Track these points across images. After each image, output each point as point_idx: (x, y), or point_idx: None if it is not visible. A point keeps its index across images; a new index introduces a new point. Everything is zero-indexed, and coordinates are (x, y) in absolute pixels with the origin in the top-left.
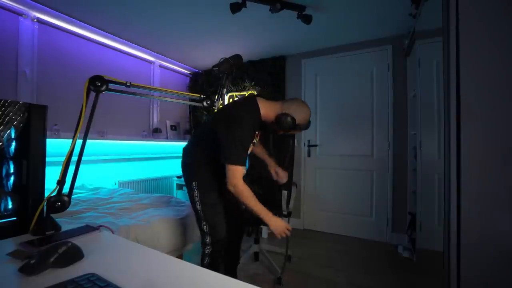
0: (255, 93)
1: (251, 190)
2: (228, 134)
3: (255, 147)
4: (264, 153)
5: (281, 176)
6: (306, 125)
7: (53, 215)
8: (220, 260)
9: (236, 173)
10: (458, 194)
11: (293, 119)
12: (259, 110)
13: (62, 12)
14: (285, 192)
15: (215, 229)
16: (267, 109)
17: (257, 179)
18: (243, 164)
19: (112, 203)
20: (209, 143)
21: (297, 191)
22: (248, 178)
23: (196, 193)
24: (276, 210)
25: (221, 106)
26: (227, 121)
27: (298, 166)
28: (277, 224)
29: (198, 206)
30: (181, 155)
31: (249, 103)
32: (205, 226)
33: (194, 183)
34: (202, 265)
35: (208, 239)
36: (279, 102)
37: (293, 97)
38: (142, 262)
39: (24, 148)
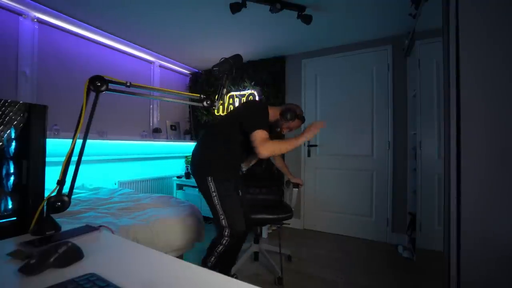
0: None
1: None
2: (253, 115)
3: (277, 160)
4: (284, 165)
5: (298, 180)
6: (303, 118)
7: (53, 215)
8: (234, 252)
9: (263, 136)
10: (458, 194)
11: (294, 110)
12: (268, 113)
13: (62, 12)
14: (294, 190)
15: (234, 221)
16: (272, 113)
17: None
18: (267, 129)
19: (112, 203)
20: (221, 142)
21: (297, 191)
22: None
23: (212, 188)
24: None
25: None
26: (251, 110)
27: (298, 166)
28: (308, 134)
29: (216, 201)
30: (181, 155)
31: (265, 106)
32: (223, 220)
33: (209, 177)
34: (211, 252)
35: (227, 232)
36: (278, 107)
37: (293, 97)
38: (142, 262)
39: (24, 148)
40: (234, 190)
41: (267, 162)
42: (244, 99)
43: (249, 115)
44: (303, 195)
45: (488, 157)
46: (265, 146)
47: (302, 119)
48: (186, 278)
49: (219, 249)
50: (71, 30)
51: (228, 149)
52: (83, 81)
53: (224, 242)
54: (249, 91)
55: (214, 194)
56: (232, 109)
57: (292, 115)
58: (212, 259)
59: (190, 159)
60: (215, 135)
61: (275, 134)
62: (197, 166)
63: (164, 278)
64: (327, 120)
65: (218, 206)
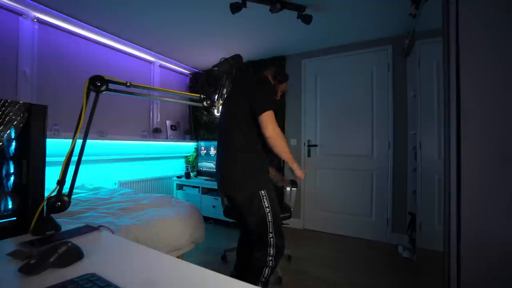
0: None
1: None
2: (262, 91)
3: None
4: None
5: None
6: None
7: (53, 215)
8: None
9: (273, 117)
10: (458, 194)
11: (282, 71)
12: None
13: (62, 12)
14: (293, 190)
15: (281, 239)
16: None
17: None
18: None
19: (112, 203)
20: (250, 144)
21: (297, 191)
22: None
23: (266, 203)
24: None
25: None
26: (259, 85)
27: None
28: (299, 170)
29: (269, 217)
30: (181, 155)
31: (266, 78)
32: (271, 239)
33: (263, 191)
34: (257, 278)
35: (272, 251)
36: (267, 73)
37: (293, 97)
38: (142, 262)
39: (24, 148)
40: (276, 197)
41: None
42: None
43: (258, 94)
44: (303, 195)
45: (488, 157)
46: (275, 127)
47: (288, 78)
48: (186, 278)
49: (266, 274)
50: (71, 30)
51: (260, 149)
52: (83, 81)
53: (270, 263)
54: None
55: (268, 210)
56: (231, 96)
57: (283, 75)
58: (260, 286)
59: (219, 175)
60: (233, 133)
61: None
62: (240, 182)
63: (164, 278)
64: (327, 120)
65: (270, 223)
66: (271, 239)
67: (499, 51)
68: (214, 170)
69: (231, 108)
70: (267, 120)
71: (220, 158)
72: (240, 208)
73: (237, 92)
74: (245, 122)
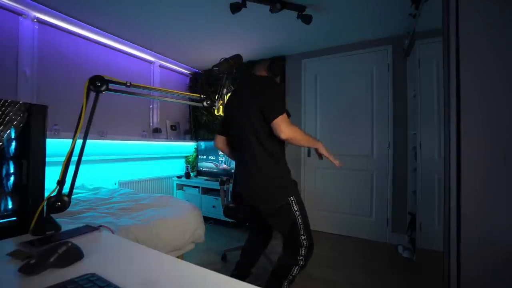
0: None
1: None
2: (272, 98)
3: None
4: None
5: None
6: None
7: (53, 215)
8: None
9: (286, 118)
10: (458, 194)
11: (276, 60)
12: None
13: (62, 12)
14: None
15: (311, 239)
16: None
17: None
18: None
19: (112, 203)
20: (269, 149)
21: None
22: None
23: (295, 207)
24: None
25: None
26: (267, 89)
27: (298, 166)
28: (324, 148)
29: (299, 221)
30: (181, 155)
31: (274, 79)
32: (304, 241)
33: (291, 197)
34: (285, 274)
35: (303, 251)
36: (260, 66)
37: (293, 97)
38: (142, 262)
39: (24, 148)
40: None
41: None
42: None
43: (268, 99)
44: (303, 195)
45: (488, 157)
46: (290, 126)
47: (280, 71)
48: (186, 278)
49: (295, 272)
50: (71, 30)
51: (282, 152)
52: (83, 81)
53: (301, 263)
54: None
55: (298, 213)
56: (240, 100)
57: (278, 65)
58: (286, 283)
59: (244, 185)
60: (254, 142)
61: None
62: (271, 191)
63: (164, 278)
64: (327, 120)
65: (302, 226)
66: (304, 241)
67: (499, 51)
68: (214, 170)
69: (243, 113)
70: (280, 122)
71: (245, 169)
72: (266, 217)
73: (246, 97)
74: (263, 129)
